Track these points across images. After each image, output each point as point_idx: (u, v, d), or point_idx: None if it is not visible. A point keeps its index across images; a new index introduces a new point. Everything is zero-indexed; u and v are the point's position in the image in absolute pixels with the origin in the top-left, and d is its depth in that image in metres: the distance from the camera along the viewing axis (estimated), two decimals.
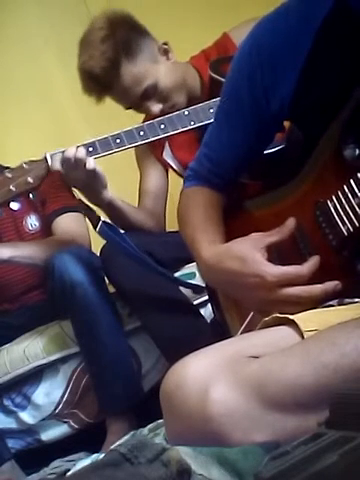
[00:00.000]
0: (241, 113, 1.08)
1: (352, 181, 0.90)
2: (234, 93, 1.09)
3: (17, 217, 2.09)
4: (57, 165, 1.58)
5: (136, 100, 1.75)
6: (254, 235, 1.00)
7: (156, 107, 1.75)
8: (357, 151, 0.93)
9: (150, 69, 1.73)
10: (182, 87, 1.79)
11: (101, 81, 1.70)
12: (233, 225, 1.14)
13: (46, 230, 2.07)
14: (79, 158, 1.57)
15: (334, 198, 0.94)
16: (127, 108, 1.81)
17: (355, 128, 0.93)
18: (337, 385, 0.66)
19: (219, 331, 1.21)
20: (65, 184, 1.85)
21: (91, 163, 1.59)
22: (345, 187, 0.92)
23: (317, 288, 0.91)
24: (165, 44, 1.79)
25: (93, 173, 1.60)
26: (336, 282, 0.91)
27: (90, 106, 2.67)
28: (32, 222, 2.10)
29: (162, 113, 1.74)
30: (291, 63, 0.99)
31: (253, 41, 1.05)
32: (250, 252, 0.96)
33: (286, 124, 1.14)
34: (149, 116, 1.84)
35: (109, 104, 2.50)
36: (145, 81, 1.71)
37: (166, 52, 1.79)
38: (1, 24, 2.72)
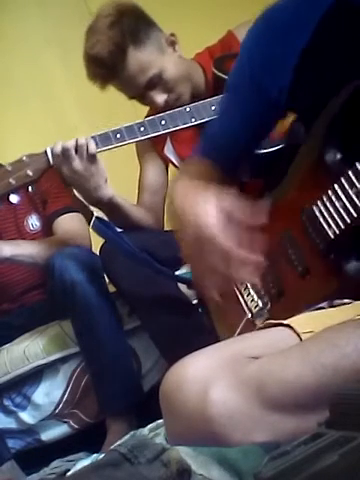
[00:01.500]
0: (243, 100, 1.09)
1: (336, 185, 0.91)
2: (239, 79, 1.11)
3: (18, 217, 2.09)
4: (59, 156, 1.57)
5: (141, 89, 1.74)
6: (233, 196, 0.93)
7: (160, 97, 1.74)
8: (339, 155, 0.94)
9: (156, 58, 1.72)
10: (187, 80, 1.78)
11: (107, 66, 1.69)
12: None
13: (47, 230, 2.07)
14: (81, 144, 1.57)
15: (319, 203, 0.95)
16: (130, 98, 1.80)
17: (337, 132, 0.94)
18: (337, 386, 0.66)
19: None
20: (63, 181, 1.84)
21: (92, 147, 1.58)
22: (329, 191, 0.93)
23: (241, 253, 0.87)
24: (172, 35, 1.79)
25: (94, 160, 1.60)
26: (261, 259, 0.87)
27: (91, 106, 2.70)
28: (33, 222, 2.10)
29: (166, 104, 1.74)
30: (291, 51, 1.00)
31: (257, 29, 1.06)
32: (213, 205, 0.91)
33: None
34: (151, 112, 1.84)
35: (110, 104, 2.50)
36: (151, 70, 1.71)
37: (173, 44, 1.78)
38: (1, 24, 2.72)
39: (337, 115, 0.93)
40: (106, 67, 1.69)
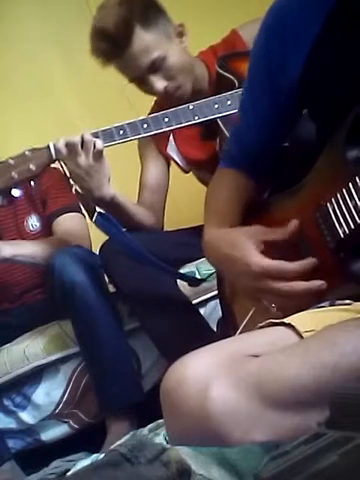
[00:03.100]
0: (262, 93, 1.09)
1: (351, 184, 0.91)
2: (255, 72, 1.10)
3: (18, 217, 2.09)
4: (62, 151, 1.56)
5: (142, 71, 1.72)
6: (257, 227, 1.04)
7: (161, 83, 1.73)
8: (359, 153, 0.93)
9: (162, 43, 1.71)
10: (190, 72, 1.77)
11: (112, 41, 1.67)
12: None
13: (47, 230, 2.07)
14: (87, 140, 1.57)
15: (333, 200, 0.95)
16: (130, 80, 1.77)
17: None
18: (337, 384, 0.66)
19: (224, 331, 1.22)
20: (66, 177, 1.82)
21: (99, 143, 1.58)
22: (344, 190, 0.92)
23: (300, 284, 0.94)
24: (181, 26, 1.78)
25: (100, 157, 1.59)
26: (321, 282, 0.94)
27: (91, 105, 2.69)
28: (33, 222, 2.10)
29: (166, 92, 1.73)
30: (301, 43, 0.99)
31: (269, 19, 1.05)
32: (245, 240, 1.01)
33: None
34: (154, 110, 1.84)
35: (110, 103, 2.50)
36: (155, 52, 1.70)
37: (181, 34, 1.78)
38: (3, 23, 2.72)
39: None
40: (111, 42, 1.68)
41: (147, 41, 1.69)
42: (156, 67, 1.71)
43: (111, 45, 1.68)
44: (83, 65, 2.70)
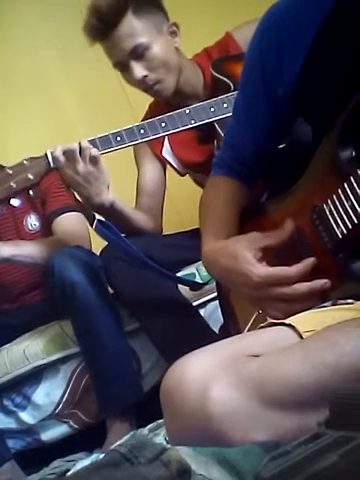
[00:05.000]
0: (256, 98, 1.09)
1: (346, 184, 0.90)
2: (249, 76, 1.10)
3: (17, 217, 2.09)
4: (60, 159, 1.57)
5: (125, 55, 1.73)
6: (253, 234, 1.04)
7: (140, 71, 1.74)
8: (353, 153, 0.93)
9: (149, 33, 1.73)
10: (174, 70, 1.78)
11: (103, 20, 1.69)
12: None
13: (46, 230, 2.07)
14: (84, 147, 1.57)
15: (330, 201, 0.95)
16: (114, 65, 1.78)
17: (353, 130, 0.93)
18: (337, 384, 0.66)
19: (226, 333, 1.22)
20: (65, 184, 1.84)
21: (94, 149, 1.58)
22: (340, 190, 0.92)
23: (303, 286, 0.95)
24: (174, 25, 1.79)
25: (97, 163, 1.59)
26: (324, 280, 0.94)
27: (90, 105, 2.70)
28: (32, 222, 2.10)
29: (143, 81, 1.74)
30: (296, 48, 0.99)
31: (265, 23, 1.05)
32: (242, 251, 1.01)
33: None
34: (149, 115, 1.84)
35: (109, 103, 2.50)
36: (139, 38, 1.71)
37: (173, 34, 1.79)
38: (3, 22, 2.72)
39: (353, 113, 0.92)
40: (101, 20, 1.69)
41: (135, 27, 1.71)
42: (139, 54, 1.72)
43: (100, 24, 1.70)
44: (82, 65, 2.71)
